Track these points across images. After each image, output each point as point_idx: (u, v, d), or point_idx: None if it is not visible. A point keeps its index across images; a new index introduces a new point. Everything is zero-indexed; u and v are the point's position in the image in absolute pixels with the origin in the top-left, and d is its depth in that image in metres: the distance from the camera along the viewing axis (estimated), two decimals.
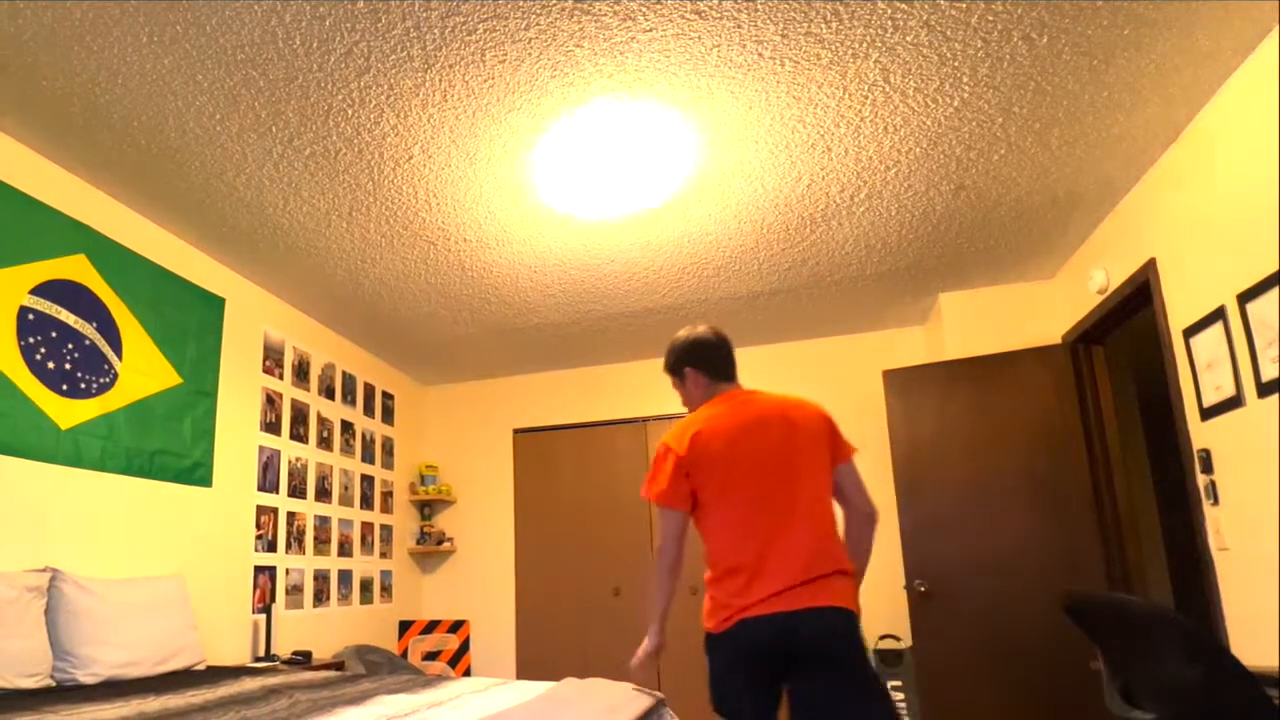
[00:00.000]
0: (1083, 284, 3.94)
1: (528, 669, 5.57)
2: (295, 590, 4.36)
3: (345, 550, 4.93)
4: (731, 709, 2.19)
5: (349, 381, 5.15)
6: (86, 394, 3.06)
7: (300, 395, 4.58)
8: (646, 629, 2.40)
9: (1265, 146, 2.48)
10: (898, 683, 4.52)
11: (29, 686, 2.44)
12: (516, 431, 6.07)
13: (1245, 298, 2.60)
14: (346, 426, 5.08)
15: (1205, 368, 2.89)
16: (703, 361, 2.42)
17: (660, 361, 5.54)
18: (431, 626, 5.72)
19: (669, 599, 2.37)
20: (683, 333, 2.50)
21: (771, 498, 2.17)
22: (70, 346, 3.01)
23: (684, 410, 2.55)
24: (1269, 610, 2.59)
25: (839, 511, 2.26)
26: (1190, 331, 2.97)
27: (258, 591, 4.03)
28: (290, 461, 4.41)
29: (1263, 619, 2.62)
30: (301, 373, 4.60)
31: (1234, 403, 2.71)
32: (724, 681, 2.23)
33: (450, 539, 5.96)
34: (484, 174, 3.15)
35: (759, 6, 2.26)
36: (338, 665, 4.12)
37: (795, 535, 2.13)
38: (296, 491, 4.45)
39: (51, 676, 2.58)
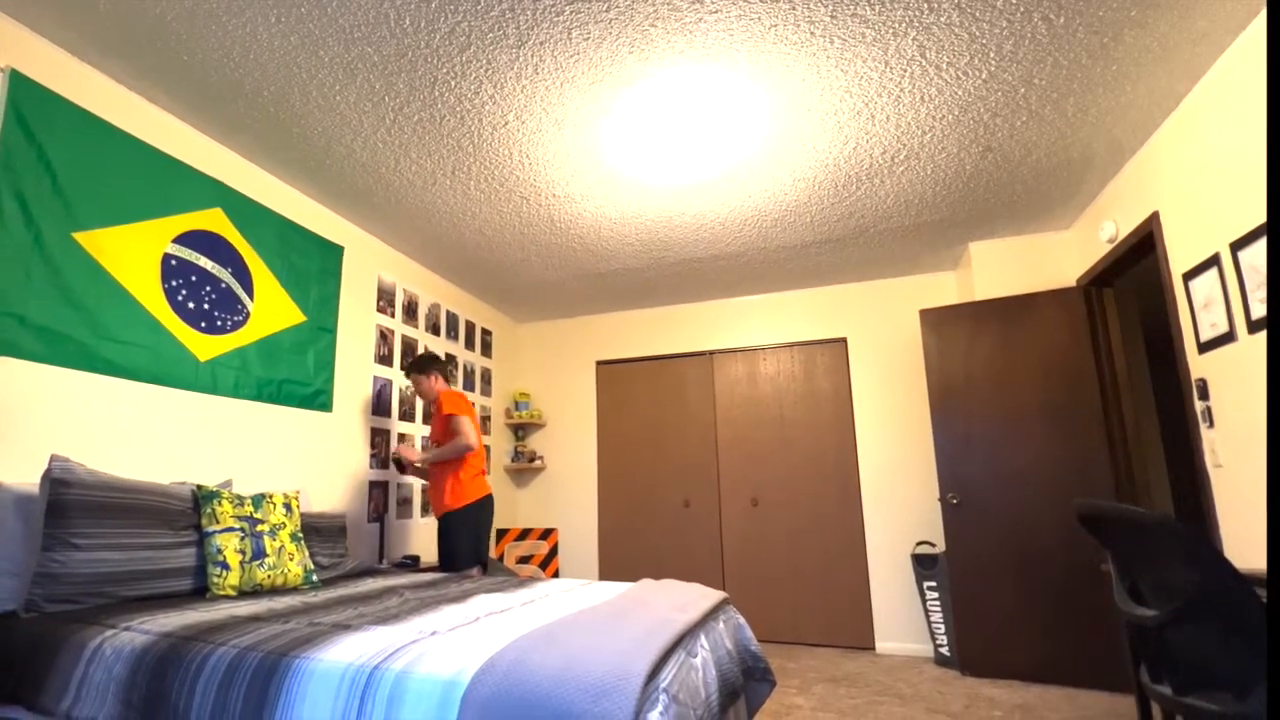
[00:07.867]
0: (1094, 234, 3.96)
1: (609, 571, 5.79)
2: (405, 503, 4.45)
3: None
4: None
5: (452, 319, 5.21)
6: (222, 330, 3.15)
7: (409, 331, 4.63)
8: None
9: (1254, 113, 2.52)
10: (933, 583, 4.57)
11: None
12: (599, 363, 6.16)
13: (1237, 246, 2.64)
14: (450, 359, 5.15)
15: (1202, 307, 2.93)
16: (448, 374, 3.97)
17: (725, 302, 5.94)
18: (525, 534, 5.88)
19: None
20: (438, 354, 4.09)
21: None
22: (208, 289, 3.09)
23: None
24: (1258, 519, 2.67)
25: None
26: (1189, 275, 3.01)
27: (372, 504, 4.10)
28: (400, 390, 4.47)
29: (1252, 527, 2.71)
30: (410, 312, 4.67)
31: (1227, 338, 2.76)
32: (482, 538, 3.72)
33: (541, 458, 6.10)
34: (570, 138, 3.18)
35: None
36: None
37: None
38: (406, 416, 4.52)
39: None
